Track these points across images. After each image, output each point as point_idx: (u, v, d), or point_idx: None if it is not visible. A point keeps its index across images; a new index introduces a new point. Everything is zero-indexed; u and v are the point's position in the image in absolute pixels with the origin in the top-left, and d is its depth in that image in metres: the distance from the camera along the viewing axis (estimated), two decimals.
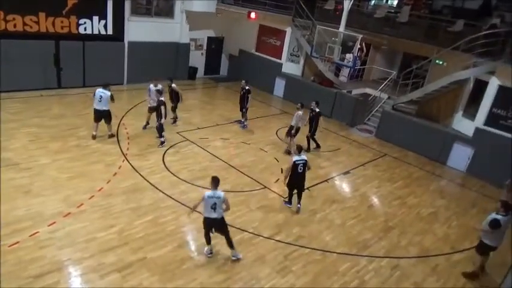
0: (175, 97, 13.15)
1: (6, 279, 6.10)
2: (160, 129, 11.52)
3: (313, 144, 13.31)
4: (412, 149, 14.76)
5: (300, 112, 12.37)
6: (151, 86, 12.21)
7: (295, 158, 9.07)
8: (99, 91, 11.01)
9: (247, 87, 13.70)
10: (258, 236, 8.32)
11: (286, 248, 8.09)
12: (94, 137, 11.32)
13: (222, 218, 7.13)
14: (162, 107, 11.22)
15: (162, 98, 11.35)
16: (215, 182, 6.97)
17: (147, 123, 12.71)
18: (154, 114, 11.94)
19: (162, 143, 11.62)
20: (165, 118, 11.59)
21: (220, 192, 6.97)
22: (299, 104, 12.52)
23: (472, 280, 8.03)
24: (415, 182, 12.32)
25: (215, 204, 6.89)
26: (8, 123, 11.43)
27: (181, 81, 18.84)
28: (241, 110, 14.15)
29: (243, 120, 14.37)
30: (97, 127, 11.34)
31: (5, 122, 11.46)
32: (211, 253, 7.44)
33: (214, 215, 6.98)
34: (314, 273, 7.47)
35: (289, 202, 9.58)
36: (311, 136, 13.07)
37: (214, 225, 7.15)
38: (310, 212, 9.57)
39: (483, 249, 7.98)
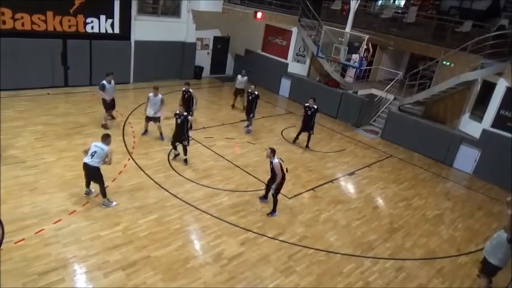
0: (192, 103, 12.68)
1: (12, 276, 6.15)
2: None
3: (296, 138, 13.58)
4: (418, 150, 14.68)
5: (246, 77, 15.67)
6: (151, 94, 11.49)
7: (276, 160, 8.72)
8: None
9: (256, 92, 13.47)
10: (263, 236, 8.31)
11: (290, 248, 8.07)
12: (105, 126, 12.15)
13: (96, 168, 7.92)
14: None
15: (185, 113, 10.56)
16: (105, 137, 8.00)
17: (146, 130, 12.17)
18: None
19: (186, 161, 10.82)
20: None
21: (106, 146, 7.91)
22: (243, 71, 15.78)
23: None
24: (421, 184, 12.25)
25: (95, 152, 7.82)
26: (15, 121, 11.53)
27: (187, 80, 18.86)
28: (248, 114, 13.85)
29: (248, 124, 14.09)
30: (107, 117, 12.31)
31: (12, 120, 11.56)
32: (87, 194, 8.51)
33: (88, 161, 7.84)
34: (318, 274, 7.45)
35: (275, 209, 9.18)
36: (312, 132, 13.08)
37: (87, 171, 8.00)
38: (315, 212, 9.54)
39: (490, 270, 7.41)
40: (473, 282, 8.00)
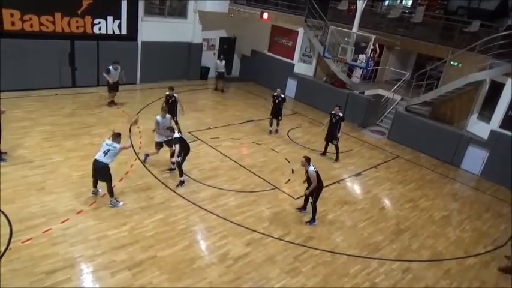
0: (176, 108, 12.12)
1: (19, 275, 6.20)
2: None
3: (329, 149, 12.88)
4: (425, 151, 14.58)
5: (224, 61, 17.76)
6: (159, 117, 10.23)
7: (313, 168, 8.56)
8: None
9: (282, 95, 13.65)
10: (268, 236, 8.30)
11: (296, 248, 8.06)
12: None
13: (106, 165, 8.02)
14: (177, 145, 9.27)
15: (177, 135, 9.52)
16: (116, 135, 8.15)
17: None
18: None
19: (182, 182, 9.71)
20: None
21: (117, 145, 8.07)
22: (221, 56, 18.03)
23: (509, 274, 8.17)
24: (428, 185, 12.16)
25: (108, 150, 7.99)
26: (23, 122, 11.64)
27: (194, 81, 19.00)
28: (276, 117, 13.86)
29: (278, 129, 14.19)
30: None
31: (20, 120, 11.67)
32: (94, 193, 8.58)
33: (100, 158, 7.97)
34: (324, 275, 7.43)
35: (314, 218, 9.07)
36: (335, 142, 12.55)
37: (97, 168, 8.06)
38: (321, 213, 9.49)
39: None
40: (482, 284, 7.94)
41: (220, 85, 18.25)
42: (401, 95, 17.01)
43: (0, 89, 12.58)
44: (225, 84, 18.38)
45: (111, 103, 14.19)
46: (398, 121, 15.42)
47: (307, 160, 8.62)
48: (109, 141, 8.08)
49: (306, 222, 8.98)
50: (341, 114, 12.31)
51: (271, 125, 14.13)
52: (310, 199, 8.93)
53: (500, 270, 8.39)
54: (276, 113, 13.89)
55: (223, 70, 17.93)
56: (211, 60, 20.15)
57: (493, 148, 12.98)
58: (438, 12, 19.52)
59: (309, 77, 18.73)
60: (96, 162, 8.03)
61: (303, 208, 9.38)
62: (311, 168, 8.55)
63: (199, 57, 19.28)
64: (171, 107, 11.93)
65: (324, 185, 10.77)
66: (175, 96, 12.08)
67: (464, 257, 8.76)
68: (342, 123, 12.31)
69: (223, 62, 17.90)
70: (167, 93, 12.14)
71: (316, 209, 8.96)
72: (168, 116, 10.43)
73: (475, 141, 13.48)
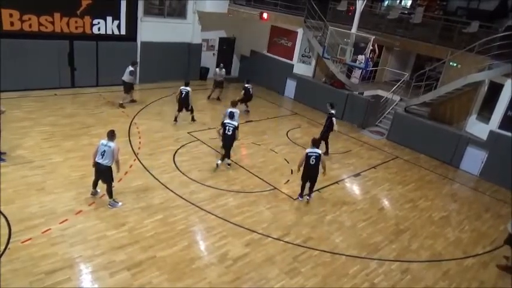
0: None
1: (18, 275, 6.20)
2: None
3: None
4: (424, 151, 14.59)
5: (224, 70, 16.90)
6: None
7: (308, 150, 9.23)
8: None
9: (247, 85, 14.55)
10: (267, 236, 8.30)
11: (295, 249, 8.06)
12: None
13: (108, 167, 8.08)
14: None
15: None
16: (110, 134, 8.08)
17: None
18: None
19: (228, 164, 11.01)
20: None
21: (112, 143, 8.00)
22: (221, 65, 17.00)
23: (509, 274, 8.30)
24: (427, 185, 12.18)
25: (104, 151, 7.96)
26: (23, 122, 11.63)
27: (193, 81, 18.93)
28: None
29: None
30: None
31: (20, 121, 11.67)
32: (93, 194, 8.58)
33: (100, 161, 7.99)
34: (323, 275, 7.44)
35: (301, 195, 9.86)
36: (324, 138, 12.69)
37: (100, 170, 8.13)
38: (320, 213, 9.52)
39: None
40: (480, 284, 7.96)
41: (216, 93, 17.21)
42: (400, 96, 17.02)
43: (0, 89, 12.57)
44: (221, 92, 17.26)
45: (123, 104, 14.35)
46: (398, 122, 15.44)
47: (312, 142, 9.50)
48: (104, 141, 8.02)
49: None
50: (331, 112, 12.50)
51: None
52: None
53: (498, 267, 8.51)
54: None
55: (221, 79, 16.97)
56: (210, 60, 20.16)
57: (492, 149, 13.00)
58: (437, 12, 19.54)
59: (308, 78, 18.74)
60: (98, 165, 8.04)
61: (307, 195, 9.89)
62: (307, 149, 9.33)
63: (198, 58, 19.25)
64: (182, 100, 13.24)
65: (323, 185, 10.86)
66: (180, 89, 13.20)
67: (463, 258, 8.77)
68: (334, 120, 12.43)
69: (223, 70, 16.96)
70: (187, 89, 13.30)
71: (302, 186, 9.78)
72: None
73: (474, 142, 13.50)
